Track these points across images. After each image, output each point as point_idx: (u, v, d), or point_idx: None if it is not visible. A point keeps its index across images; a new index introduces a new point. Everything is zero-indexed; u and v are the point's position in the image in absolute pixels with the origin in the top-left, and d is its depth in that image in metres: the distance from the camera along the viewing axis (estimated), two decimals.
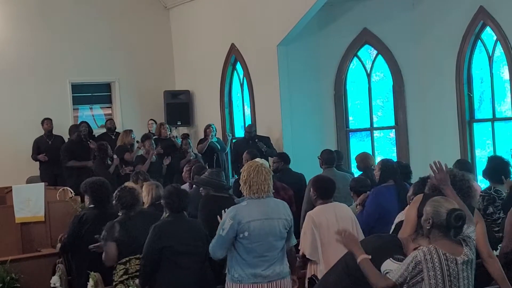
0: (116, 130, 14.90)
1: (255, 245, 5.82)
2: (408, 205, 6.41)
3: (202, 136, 14.62)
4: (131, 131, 13.77)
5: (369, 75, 14.02)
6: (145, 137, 13.44)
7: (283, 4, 13.19)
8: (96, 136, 14.61)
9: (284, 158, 10.77)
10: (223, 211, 6.11)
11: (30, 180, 13.69)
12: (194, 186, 8.65)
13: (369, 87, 14.01)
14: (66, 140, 14.51)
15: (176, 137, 14.63)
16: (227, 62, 15.26)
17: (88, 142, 13.52)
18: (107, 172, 12.02)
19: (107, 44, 16.23)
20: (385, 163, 8.46)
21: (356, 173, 11.04)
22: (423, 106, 13.15)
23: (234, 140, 14.82)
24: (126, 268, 6.69)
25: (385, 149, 14.09)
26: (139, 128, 15.16)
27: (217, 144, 14.12)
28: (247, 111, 15.01)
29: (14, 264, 8.39)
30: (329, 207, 7.24)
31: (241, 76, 15.14)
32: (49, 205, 9.77)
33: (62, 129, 14.80)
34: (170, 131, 14.52)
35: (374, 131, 14.08)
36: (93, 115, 16.59)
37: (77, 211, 8.71)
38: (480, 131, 12.46)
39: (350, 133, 14.22)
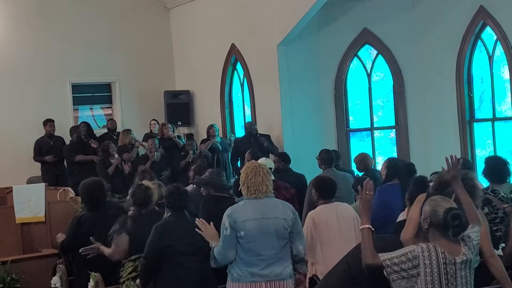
0: (118, 130, 14.91)
1: (251, 245, 5.83)
2: (407, 206, 6.43)
3: (203, 136, 14.62)
4: (129, 130, 13.80)
5: (369, 75, 14.03)
6: (148, 137, 13.44)
7: (283, 4, 13.19)
8: (97, 136, 14.65)
9: (284, 158, 10.79)
10: (197, 221, 6.14)
11: (31, 181, 13.68)
12: (195, 185, 8.65)
13: (370, 87, 14.02)
14: (67, 141, 14.56)
15: (179, 136, 14.63)
16: (227, 62, 15.26)
17: (89, 142, 13.53)
18: (106, 173, 12.04)
19: (107, 44, 16.24)
20: (391, 162, 8.51)
21: (356, 173, 11.04)
22: (423, 106, 13.15)
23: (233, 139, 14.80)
24: (136, 265, 6.68)
25: (385, 149, 14.09)
26: (140, 128, 15.18)
27: (218, 144, 14.11)
28: (248, 111, 15.01)
29: (15, 265, 8.40)
30: (331, 207, 7.24)
31: (241, 76, 15.14)
32: (50, 206, 9.76)
33: (62, 130, 14.80)
34: (173, 131, 14.50)
35: (375, 131, 14.08)
36: (94, 116, 16.59)
37: (78, 212, 8.70)
38: (481, 131, 12.46)
39: (350, 133, 14.22)
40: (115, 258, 6.86)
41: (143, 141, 14.24)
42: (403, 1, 13.27)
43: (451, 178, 5.27)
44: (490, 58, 12.09)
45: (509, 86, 11.68)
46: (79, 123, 15.38)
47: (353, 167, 11.81)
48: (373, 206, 7.75)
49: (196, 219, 6.18)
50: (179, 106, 16.31)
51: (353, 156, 13.11)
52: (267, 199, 5.98)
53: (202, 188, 7.97)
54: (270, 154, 12.52)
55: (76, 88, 16.21)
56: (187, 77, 16.65)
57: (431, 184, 6.87)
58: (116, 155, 12.51)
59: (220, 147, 14.02)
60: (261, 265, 5.86)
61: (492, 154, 11.57)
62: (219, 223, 6.05)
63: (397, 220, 6.51)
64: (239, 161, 13.61)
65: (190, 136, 14.34)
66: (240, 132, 15.34)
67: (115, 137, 14.46)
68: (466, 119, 12.41)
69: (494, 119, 12.13)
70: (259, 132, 13.50)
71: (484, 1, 11.74)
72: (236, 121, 15.69)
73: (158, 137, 14.02)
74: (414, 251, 4.70)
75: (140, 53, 16.63)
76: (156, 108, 16.24)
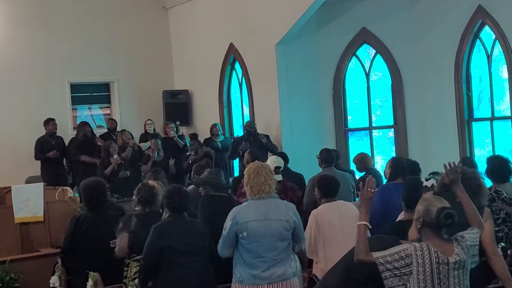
0: (118, 130, 14.91)
1: (253, 246, 5.84)
2: (403, 207, 6.44)
3: (203, 136, 14.61)
4: (123, 131, 13.91)
5: (368, 75, 14.03)
6: (152, 136, 13.47)
7: (282, 4, 13.19)
8: (97, 136, 14.67)
9: (282, 158, 10.76)
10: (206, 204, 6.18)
11: (29, 180, 13.68)
12: (193, 185, 8.65)
13: (368, 87, 14.02)
14: (67, 140, 14.60)
15: (182, 136, 14.63)
16: (226, 62, 15.26)
17: (96, 140, 13.53)
18: (103, 174, 12.04)
19: (106, 44, 16.24)
20: (395, 161, 8.53)
21: (356, 173, 11.05)
22: (422, 105, 13.16)
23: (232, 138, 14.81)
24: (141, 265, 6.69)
25: (384, 148, 14.10)
26: (138, 128, 15.22)
27: (219, 143, 14.11)
28: (246, 110, 15.01)
29: (14, 264, 8.39)
30: (333, 205, 7.24)
31: (240, 76, 15.13)
32: (48, 205, 9.76)
33: (61, 129, 14.81)
34: (176, 131, 14.49)
35: (373, 131, 14.09)
36: (92, 115, 16.59)
37: (77, 211, 8.70)
38: (479, 130, 12.46)
39: (349, 132, 14.23)
40: (119, 256, 6.90)
41: (139, 142, 14.27)
42: (401, 0, 13.28)
43: (450, 182, 5.28)
44: (489, 57, 12.09)
45: (507, 85, 11.68)
46: (77, 122, 15.41)
47: (352, 166, 11.83)
48: (373, 204, 7.83)
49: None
50: (178, 106, 16.31)
51: (351, 155, 13.13)
52: (270, 199, 5.99)
53: (200, 188, 7.97)
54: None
55: (74, 87, 16.21)
56: (185, 77, 16.65)
57: (425, 184, 6.91)
58: (115, 156, 12.50)
59: (220, 145, 14.02)
60: (263, 267, 5.87)
61: (491, 153, 11.58)
62: (218, 222, 6.06)
63: (397, 220, 6.50)
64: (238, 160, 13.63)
65: (193, 137, 14.31)
66: (239, 132, 15.33)
67: (114, 137, 14.47)
68: (465, 119, 12.42)
69: (492, 119, 12.14)
70: (258, 131, 13.49)
71: (483, 0, 11.75)
72: (235, 120, 15.69)
73: (159, 136, 14.03)
74: (407, 249, 4.70)
75: (138, 52, 16.62)
76: (155, 108, 16.24)
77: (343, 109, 14.16)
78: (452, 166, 5.33)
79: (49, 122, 14.45)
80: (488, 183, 7.76)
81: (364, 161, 10.55)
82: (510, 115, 11.73)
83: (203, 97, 16.19)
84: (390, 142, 13.98)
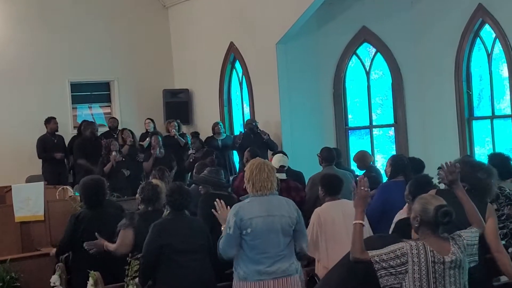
0: (119, 129, 14.94)
1: (257, 242, 5.83)
2: (407, 204, 6.42)
3: (204, 135, 14.61)
4: (124, 129, 13.95)
5: (368, 73, 14.02)
6: (152, 134, 13.48)
7: (282, 3, 13.19)
8: (99, 134, 14.68)
9: None
10: (217, 201, 6.13)
11: (30, 179, 13.69)
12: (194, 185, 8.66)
13: (368, 85, 14.02)
14: (67, 139, 14.61)
15: (184, 134, 14.63)
16: (226, 61, 15.26)
17: (102, 140, 13.55)
18: (102, 171, 12.06)
19: (106, 43, 16.25)
20: (396, 158, 8.47)
21: (357, 171, 11.03)
22: (422, 104, 13.16)
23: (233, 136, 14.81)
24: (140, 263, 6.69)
25: (384, 147, 14.10)
26: (138, 127, 15.23)
27: (219, 142, 14.11)
28: (246, 109, 15.01)
29: (14, 263, 8.40)
30: (337, 204, 7.25)
31: (240, 75, 15.14)
32: (49, 204, 9.77)
33: (61, 128, 14.83)
34: (179, 129, 14.50)
35: (374, 129, 14.08)
36: (92, 114, 16.60)
37: (77, 210, 8.70)
38: (480, 128, 12.46)
39: (349, 131, 14.22)
40: (120, 252, 6.89)
41: (140, 140, 14.28)
42: None
43: (450, 183, 5.28)
44: (489, 56, 12.09)
45: (508, 84, 11.68)
46: (78, 122, 15.42)
47: (353, 165, 11.81)
48: (372, 202, 7.84)
49: (216, 199, 6.17)
50: (178, 105, 16.31)
51: (352, 154, 13.11)
52: (272, 196, 6.00)
53: (200, 187, 7.97)
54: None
55: (75, 87, 16.23)
56: (186, 76, 16.66)
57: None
58: (114, 153, 12.52)
59: (220, 144, 14.02)
60: (267, 262, 5.87)
61: (491, 151, 11.56)
62: (217, 220, 6.05)
63: (395, 220, 6.49)
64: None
65: (195, 135, 14.32)
66: (239, 131, 15.33)
67: (115, 136, 14.49)
68: (465, 117, 12.41)
69: (493, 117, 12.14)
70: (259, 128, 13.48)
71: None
72: (235, 119, 15.69)
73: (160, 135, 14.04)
74: (403, 248, 4.70)
75: (139, 51, 16.63)
76: (155, 107, 16.24)
77: (344, 108, 14.16)
78: (450, 166, 5.32)
79: (50, 121, 14.45)
80: None
81: (363, 159, 10.54)
82: (510, 113, 11.73)
83: (203, 96, 16.19)
84: (390, 140, 13.98)
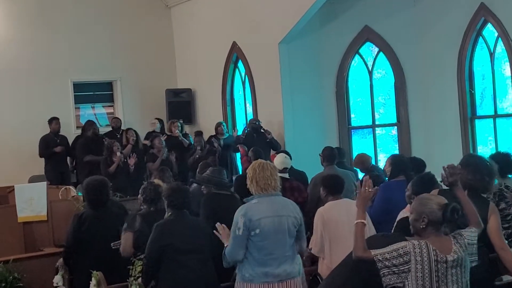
0: (122, 128, 14.95)
1: (266, 243, 5.83)
2: (409, 204, 6.40)
3: (207, 133, 14.62)
4: (128, 129, 13.92)
5: (370, 73, 14.02)
6: (154, 136, 13.48)
7: (284, 2, 13.20)
8: (102, 135, 14.69)
9: None
10: (217, 225, 6.13)
11: (33, 179, 13.71)
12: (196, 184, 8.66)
13: (371, 85, 14.01)
14: (70, 139, 14.62)
15: (186, 134, 14.64)
16: (229, 60, 15.27)
17: (104, 139, 13.57)
18: (107, 171, 12.07)
19: (108, 43, 16.26)
20: (396, 158, 8.42)
21: (359, 172, 11.03)
22: (424, 103, 13.15)
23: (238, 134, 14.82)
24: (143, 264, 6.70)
25: (387, 146, 14.08)
26: (141, 127, 15.21)
27: (221, 141, 14.12)
28: (249, 109, 15.02)
29: (17, 264, 8.41)
30: (340, 203, 7.25)
31: (243, 74, 15.14)
32: (52, 204, 9.78)
33: (64, 128, 14.84)
34: (181, 129, 14.51)
35: (376, 128, 14.07)
36: (95, 114, 16.61)
37: (80, 210, 8.71)
38: (482, 127, 12.46)
39: (352, 130, 14.23)
40: (125, 255, 6.90)
41: (144, 139, 14.29)
42: None
43: (450, 185, 5.27)
44: (491, 55, 12.08)
45: (510, 83, 11.68)
46: (81, 121, 15.44)
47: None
48: (374, 202, 7.84)
49: (217, 224, 6.13)
50: (181, 104, 16.32)
51: (355, 153, 13.13)
52: (277, 196, 6.01)
53: (203, 186, 7.97)
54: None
55: (77, 86, 16.24)
56: (188, 75, 16.66)
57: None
58: (119, 153, 12.52)
59: (221, 143, 14.03)
60: (274, 264, 5.86)
61: (494, 151, 11.54)
62: (220, 220, 6.05)
63: (398, 219, 6.48)
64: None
65: (198, 134, 14.34)
66: (242, 131, 15.33)
67: (118, 136, 14.51)
68: (468, 116, 12.41)
69: (495, 116, 12.13)
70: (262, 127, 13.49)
71: None
72: (238, 119, 15.69)
73: (165, 135, 14.02)
74: (406, 247, 4.70)
75: (141, 51, 16.64)
76: (158, 107, 16.25)
77: (346, 107, 14.16)
78: (451, 168, 5.31)
79: (52, 121, 14.48)
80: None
81: (363, 162, 10.54)
82: None
83: (206, 95, 16.20)
84: (393, 140, 13.97)
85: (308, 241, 7.28)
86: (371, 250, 4.77)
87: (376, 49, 13.88)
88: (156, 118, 15.34)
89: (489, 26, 11.95)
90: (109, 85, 16.85)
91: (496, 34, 11.79)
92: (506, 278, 5.91)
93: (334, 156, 9.97)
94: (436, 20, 12.80)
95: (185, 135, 14.56)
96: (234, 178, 11.38)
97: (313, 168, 10.67)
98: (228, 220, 6.02)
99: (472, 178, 5.74)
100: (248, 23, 14.32)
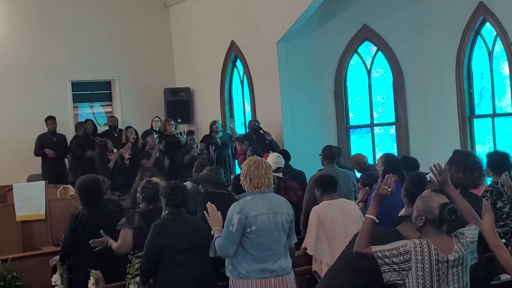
0: (119, 127, 14.95)
1: (262, 239, 5.85)
2: (404, 204, 6.41)
3: (204, 133, 14.62)
4: (128, 127, 13.92)
5: (369, 72, 14.02)
6: (146, 133, 13.46)
7: (283, 1, 13.19)
8: (99, 133, 14.69)
9: (283, 155, 10.72)
10: (207, 204, 6.15)
11: (31, 179, 13.71)
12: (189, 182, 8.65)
13: (369, 84, 14.01)
14: (69, 138, 14.61)
15: (181, 133, 14.65)
16: (227, 59, 15.26)
17: (95, 139, 13.56)
18: (107, 168, 12.08)
19: (107, 42, 16.26)
20: (388, 157, 8.37)
21: (355, 172, 11.02)
22: (423, 102, 13.15)
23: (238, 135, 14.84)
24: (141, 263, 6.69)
25: (385, 145, 14.08)
26: (140, 126, 15.20)
27: (219, 140, 14.14)
28: (248, 108, 15.02)
29: (15, 262, 8.43)
30: (336, 203, 7.27)
31: (241, 73, 15.14)
32: (50, 203, 9.80)
33: (62, 127, 14.85)
34: (175, 128, 14.53)
35: (375, 128, 14.07)
36: (94, 113, 16.62)
37: (78, 209, 8.70)
38: (481, 127, 12.45)
39: (350, 129, 14.22)
40: (121, 252, 6.91)
41: (142, 138, 14.28)
42: None
43: (440, 184, 5.25)
44: (490, 54, 12.08)
45: (509, 82, 11.67)
46: (79, 120, 15.44)
47: None
48: (369, 201, 7.83)
49: (208, 203, 6.19)
50: (179, 104, 16.33)
51: (353, 152, 13.16)
52: (271, 194, 6.03)
53: (200, 185, 7.97)
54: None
55: (76, 85, 16.25)
56: (187, 74, 16.66)
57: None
58: (115, 150, 12.55)
59: (219, 142, 14.04)
60: (271, 260, 5.90)
61: (492, 150, 11.56)
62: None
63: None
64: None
65: (190, 133, 14.38)
66: (240, 129, 15.33)
67: (116, 135, 14.51)
68: (466, 115, 12.40)
69: (494, 115, 12.13)
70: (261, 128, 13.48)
71: None
72: (236, 118, 15.68)
73: (159, 133, 14.01)
74: (406, 245, 4.70)
75: (140, 50, 16.63)
76: (156, 106, 16.24)
77: (345, 106, 14.15)
78: (438, 168, 5.29)
79: (47, 121, 14.49)
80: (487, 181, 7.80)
81: (358, 163, 10.51)
82: (511, 111, 11.72)
83: (204, 94, 16.20)
84: (391, 139, 13.97)
85: (302, 240, 7.32)
86: (371, 247, 4.77)
87: (375, 48, 13.88)
88: (157, 117, 15.31)
89: (488, 25, 11.94)
90: (107, 84, 16.85)
91: (495, 33, 11.79)
92: (504, 277, 5.92)
93: (335, 155, 9.97)
94: (434, 19, 12.80)
95: (179, 134, 14.58)
96: (232, 177, 11.40)
97: (311, 167, 10.68)
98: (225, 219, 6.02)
99: (462, 175, 5.70)
100: (247, 22, 14.32)
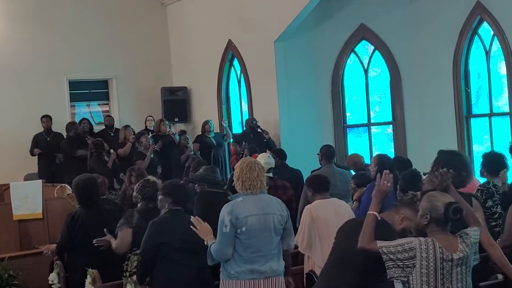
0: (115, 127, 14.94)
1: (252, 241, 5.82)
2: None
3: (200, 132, 14.62)
4: (126, 126, 13.86)
5: (366, 71, 14.03)
6: (140, 134, 13.45)
7: (280, 0, 13.19)
8: (95, 133, 14.68)
9: (279, 154, 10.73)
10: (192, 219, 6.14)
11: (28, 177, 13.70)
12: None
13: (366, 83, 14.02)
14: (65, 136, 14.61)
15: (174, 134, 14.64)
16: (224, 59, 15.26)
17: (86, 138, 13.54)
18: (106, 167, 12.07)
19: (104, 41, 16.24)
20: (381, 158, 8.39)
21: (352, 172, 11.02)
22: (420, 101, 13.16)
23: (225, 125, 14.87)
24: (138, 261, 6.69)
25: (382, 144, 14.09)
26: (137, 125, 15.20)
27: (213, 140, 14.15)
28: (245, 107, 15.02)
29: (12, 261, 8.41)
30: (329, 202, 7.29)
31: (239, 72, 15.14)
32: (47, 202, 9.78)
33: (60, 126, 14.80)
34: (170, 128, 14.53)
35: (372, 127, 14.08)
36: (91, 112, 16.61)
37: (75, 208, 8.70)
38: (478, 126, 12.46)
39: (347, 129, 14.23)
40: (121, 251, 6.89)
41: (136, 138, 14.26)
42: None
43: (443, 190, 5.25)
44: (487, 53, 12.09)
45: (506, 82, 11.68)
46: (76, 119, 15.41)
47: None
48: (362, 202, 7.88)
49: (192, 217, 6.16)
50: (176, 103, 16.32)
51: (350, 152, 13.17)
52: (263, 195, 6.00)
53: (196, 185, 7.97)
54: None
55: (73, 84, 16.24)
56: (184, 74, 16.66)
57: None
58: (112, 150, 12.55)
59: (214, 142, 14.05)
60: (261, 261, 5.87)
61: (489, 149, 11.58)
62: (214, 218, 6.04)
63: None
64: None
65: (183, 133, 14.41)
66: (237, 129, 15.35)
67: (112, 134, 14.51)
68: (463, 115, 12.42)
69: (491, 115, 12.14)
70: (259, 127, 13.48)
71: None
72: (233, 117, 15.69)
73: (154, 133, 13.99)
74: (412, 243, 4.72)
75: (137, 49, 16.63)
76: (153, 105, 16.23)
77: (342, 106, 14.16)
78: (443, 174, 5.28)
79: (42, 119, 14.50)
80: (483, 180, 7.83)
81: (355, 163, 10.51)
82: (508, 111, 11.73)
83: (201, 94, 16.20)
84: (388, 138, 13.98)
85: None
86: (377, 242, 4.80)
87: (372, 48, 13.88)
88: (151, 116, 15.30)
89: (485, 24, 11.95)
90: (104, 83, 16.85)
91: (492, 32, 11.80)
92: (501, 276, 5.93)
93: (333, 154, 10.00)
94: (432, 19, 12.81)
95: (174, 134, 14.56)
96: (229, 176, 11.40)
97: (308, 166, 10.69)
98: None
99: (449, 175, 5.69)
100: (244, 21, 14.32)
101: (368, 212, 5.03)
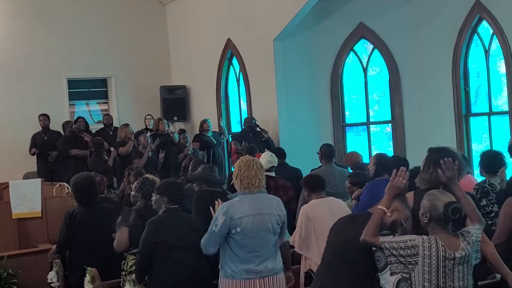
0: (114, 125, 14.95)
1: (247, 241, 5.83)
2: None
3: (198, 131, 14.63)
4: (126, 125, 13.82)
5: (365, 70, 14.01)
6: (139, 133, 13.45)
7: None
8: (93, 132, 14.67)
9: (279, 153, 10.72)
10: (216, 201, 6.19)
11: (27, 176, 13.69)
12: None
13: (366, 82, 14.01)
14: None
15: (173, 132, 14.65)
16: (223, 57, 15.26)
17: (82, 136, 13.53)
18: (106, 166, 12.06)
19: (103, 40, 16.26)
20: (380, 157, 8.39)
21: (349, 170, 11.02)
22: (419, 100, 13.15)
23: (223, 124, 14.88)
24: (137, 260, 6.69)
25: (381, 143, 14.09)
26: (136, 123, 15.19)
27: (212, 138, 14.15)
28: (244, 106, 15.02)
29: (11, 260, 8.41)
30: (324, 201, 7.31)
31: (237, 71, 15.14)
32: (46, 201, 9.79)
33: (59, 125, 14.84)
34: (168, 126, 14.53)
35: (371, 126, 14.07)
36: (90, 111, 16.63)
37: (74, 207, 8.70)
38: (477, 125, 12.45)
39: (346, 127, 14.22)
40: (120, 250, 6.90)
41: (134, 137, 14.26)
42: None
43: (448, 180, 5.26)
44: (486, 52, 12.08)
45: (505, 80, 11.67)
46: (75, 118, 15.42)
47: None
48: (361, 200, 7.89)
49: (218, 199, 6.21)
50: (175, 101, 16.32)
51: (349, 150, 13.13)
52: (261, 194, 5.99)
53: (194, 184, 7.97)
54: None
55: (72, 83, 16.26)
56: (183, 72, 16.66)
57: None
58: (111, 149, 12.55)
59: (214, 141, 14.05)
60: (257, 261, 5.87)
61: (488, 148, 11.58)
62: (212, 217, 6.05)
63: None
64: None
65: (182, 131, 14.40)
66: (236, 127, 15.35)
67: (111, 133, 14.51)
68: (463, 113, 12.41)
69: (490, 113, 12.13)
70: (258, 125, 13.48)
71: None
72: (232, 116, 15.70)
73: (152, 132, 13.99)
74: (415, 240, 4.75)
75: (136, 48, 16.64)
76: (152, 103, 16.24)
77: (341, 104, 14.15)
78: (448, 164, 5.29)
79: (39, 117, 14.51)
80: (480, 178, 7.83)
81: (353, 162, 10.50)
82: (507, 110, 11.71)
83: (200, 92, 16.20)
84: (387, 137, 13.97)
85: None
86: (379, 237, 4.82)
87: (371, 46, 13.86)
88: (150, 115, 15.30)
89: (484, 23, 11.94)
90: (103, 82, 16.86)
91: (491, 31, 11.79)
92: (499, 275, 5.93)
93: (333, 153, 10.02)
94: (431, 17, 12.80)
95: (173, 133, 14.57)
96: (228, 174, 11.41)
97: (307, 165, 10.70)
98: None
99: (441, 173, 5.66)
100: (243, 20, 14.32)
101: (377, 206, 5.03)
